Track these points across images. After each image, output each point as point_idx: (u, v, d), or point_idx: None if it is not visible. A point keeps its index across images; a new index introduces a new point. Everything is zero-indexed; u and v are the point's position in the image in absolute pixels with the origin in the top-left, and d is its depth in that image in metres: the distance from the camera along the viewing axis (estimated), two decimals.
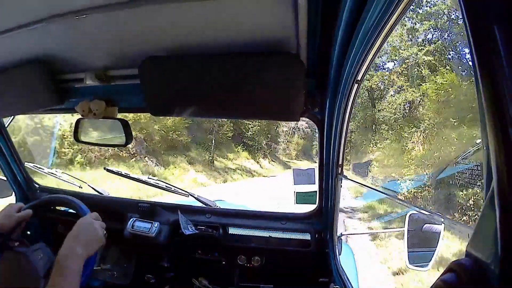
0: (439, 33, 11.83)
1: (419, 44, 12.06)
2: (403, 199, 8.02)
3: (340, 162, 1.19)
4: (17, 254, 0.93)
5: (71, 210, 1.44)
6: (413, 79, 11.93)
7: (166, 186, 1.69)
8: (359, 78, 0.85)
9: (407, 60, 12.18)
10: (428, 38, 12.12)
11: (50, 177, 1.87)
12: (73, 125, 1.37)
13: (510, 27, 0.24)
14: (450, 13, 11.35)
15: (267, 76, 0.96)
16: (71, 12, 0.83)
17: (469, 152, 7.04)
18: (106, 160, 10.36)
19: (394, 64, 12.87)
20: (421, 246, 1.27)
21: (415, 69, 11.87)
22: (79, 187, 1.78)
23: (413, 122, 10.94)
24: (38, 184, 1.78)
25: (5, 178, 1.70)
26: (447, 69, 10.58)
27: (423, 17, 11.98)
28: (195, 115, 1.17)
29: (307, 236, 1.41)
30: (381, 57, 12.42)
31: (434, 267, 1.22)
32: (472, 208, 6.91)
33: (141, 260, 1.51)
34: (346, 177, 1.24)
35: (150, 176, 1.84)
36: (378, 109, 13.04)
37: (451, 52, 11.55)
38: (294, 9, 0.74)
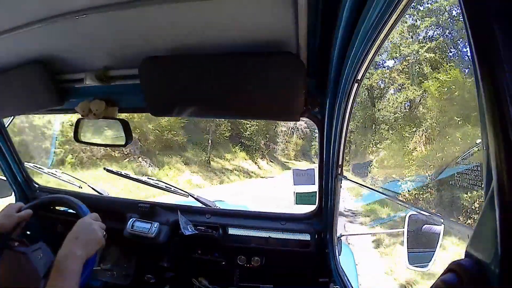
0: (441, 30, 11.60)
1: (420, 41, 11.84)
2: (404, 201, 7.89)
3: (340, 163, 1.19)
4: (17, 254, 0.93)
5: (71, 210, 1.44)
6: (415, 77, 11.70)
7: (165, 187, 1.69)
8: (359, 77, 0.85)
9: (408, 58, 11.97)
10: (429, 35, 11.92)
11: (50, 177, 1.88)
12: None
13: (510, 26, 0.24)
14: (452, 10, 11.15)
15: (267, 76, 0.96)
16: (71, 12, 0.83)
17: (471, 152, 6.92)
18: (98, 160, 10.03)
19: (395, 62, 12.68)
20: (420, 246, 1.27)
21: (416, 67, 11.66)
22: (79, 187, 1.78)
23: (414, 121, 10.69)
24: (37, 184, 1.78)
25: (5, 178, 1.70)
26: (450, 66, 10.20)
27: (424, 14, 11.77)
28: (195, 115, 1.17)
29: (307, 237, 1.41)
30: (380, 55, 12.21)
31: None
32: (478, 212, 6.61)
33: (141, 260, 1.51)
34: (346, 178, 1.23)
35: (150, 177, 1.84)
36: (378, 108, 12.84)
37: (454, 48, 11.32)
38: (294, 9, 0.75)
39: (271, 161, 19.90)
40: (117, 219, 1.46)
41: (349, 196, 9.99)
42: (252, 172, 16.69)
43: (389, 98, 12.60)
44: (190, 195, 1.64)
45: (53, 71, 1.21)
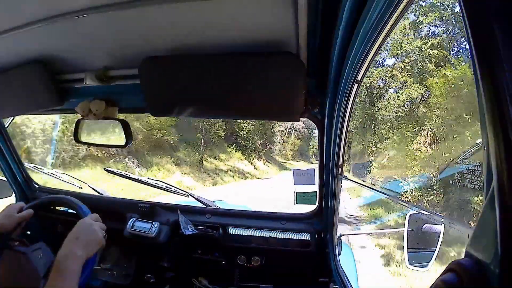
0: (445, 25, 11.22)
1: (422, 38, 11.47)
2: (406, 201, 7.54)
3: (340, 162, 1.19)
4: (17, 254, 0.93)
5: (71, 210, 1.44)
6: (418, 74, 11.29)
7: (166, 187, 1.69)
8: (359, 78, 0.85)
9: (410, 55, 11.57)
10: (432, 32, 11.57)
11: (50, 177, 1.88)
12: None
13: (510, 26, 0.24)
14: (455, 5, 10.85)
15: (267, 76, 0.96)
16: (71, 12, 0.83)
17: (471, 151, 6.76)
18: (81, 161, 9.46)
19: (396, 60, 12.30)
20: (421, 246, 1.27)
21: (420, 63, 11.22)
22: (79, 187, 1.78)
23: (417, 120, 10.22)
24: (37, 184, 1.78)
25: (5, 178, 1.70)
26: (459, 60, 9.68)
27: (427, 9, 11.43)
28: (195, 115, 1.17)
29: (307, 236, 1.41)
30: (381, 53, 11.96)
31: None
32: None
33: (141, 260, 1.51)
34: (346, 177, 1.24)
35: (150, 177, 1.84)
36: (378, 107, 12.51)
37: (463, 42, 10.77)
38: (294, 9, 0.75)
39: (268, 162, 19.46)
40: (117, 219, 1.46)
41: (350, 197, 9.56)
42: (248, 173, 16.03)
43: (390, 96, 12.27)
44: (191, 195, 1.65)
45: (53, 71, 1.21)
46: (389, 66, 12.49)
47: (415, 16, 11.73)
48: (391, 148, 11.00)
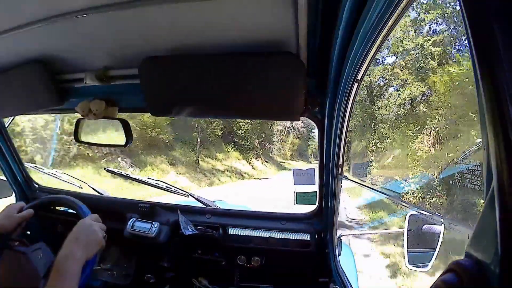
0: (447, 22, 11.00)
1: (423, 35, 11.27)
2: (406, 201, 7.34)
3: (340, 162, 1.19)
4: (17, 254, 0.93)
5: (71, 211, 1.44)
6: (420, 71, 10.99)
7: (166, 187, 1.69)
8: (359, 77, 0.85)
9: (412, 53, 11.32)
10: (433, 29, 11.38)
11: (49, 177, 1.88)
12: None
13: (510, 26, 0.24)
14: (456, 3, 10.77)
15: (267, 76, 0.96)
16: (71, 12, 0.83)
17: (472, 151, 6.68)
18: (72, 161, 9.16)
19: (397, 57, 12.03)
20: (421, 246, 1.27)
21: (421, 61, 10.95)
22: (79, 187, 1.79)
23: (418, 119, 9.95)
24: (38, 184, 1.78)
25: (5, 178, 1.70)
26: (464, 57, 9.27)
27: (429, 7, 11.23)
28: (195, 115, 1.17)
29: (307, 237, 1.41)
30: (381, 52, 11.79)
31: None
32: None
33: (141, 260, 1.51)
34: (346, 177, 1.24)
35: (150, 177, 1.85)
36: (378, 106, 12.26)
37: (465, 41, 10.55)
38: (294, 9, 0.75)
39: (266, 161, 19.22)
40: (117, 219, 1.46)
41: (350, 199, 9.33)
42: (245, 173, 15.78)
43: (390, 95, 12.08)
44: (191, 195, 1.65)
45: (53, 71, 1.21)
46: (390, 64, 12.31)
47: (416, 13, 11.57)
48: (391, 147, 10.83)
